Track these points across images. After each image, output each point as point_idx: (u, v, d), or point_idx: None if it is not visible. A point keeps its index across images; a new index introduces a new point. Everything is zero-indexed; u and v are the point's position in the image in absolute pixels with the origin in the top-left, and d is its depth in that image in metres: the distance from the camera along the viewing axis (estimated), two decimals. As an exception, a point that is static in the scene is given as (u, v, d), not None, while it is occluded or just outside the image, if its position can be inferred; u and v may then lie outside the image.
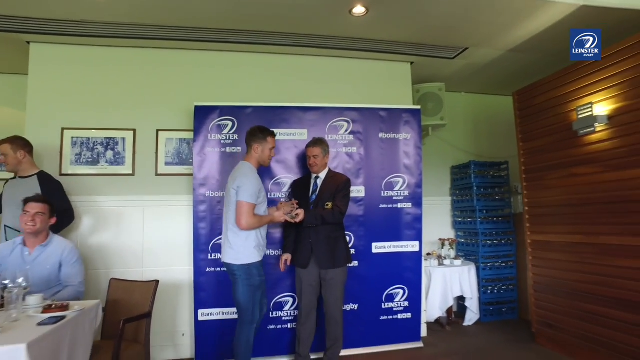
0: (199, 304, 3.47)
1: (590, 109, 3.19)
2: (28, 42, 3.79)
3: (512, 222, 4.92)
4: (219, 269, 3.49)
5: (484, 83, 5.16)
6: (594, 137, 3.21)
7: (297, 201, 3.14)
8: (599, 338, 3.19)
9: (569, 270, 3.48)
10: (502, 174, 5.00)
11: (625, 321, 2.98)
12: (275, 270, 3.43)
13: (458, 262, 4.62)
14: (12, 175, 3.34)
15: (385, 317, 3.78)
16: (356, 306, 3.72)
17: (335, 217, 3.16)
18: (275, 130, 3.51)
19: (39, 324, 1.87)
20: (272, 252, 3.53)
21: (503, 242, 4.87)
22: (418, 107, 4.05)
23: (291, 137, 3.71)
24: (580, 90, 3.35)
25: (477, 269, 4.71)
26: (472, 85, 5.29)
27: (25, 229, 2.60)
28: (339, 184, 3.26)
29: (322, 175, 3.35)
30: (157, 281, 2.83)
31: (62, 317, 1.99)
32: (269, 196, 3.49)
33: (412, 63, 4.46)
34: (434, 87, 4.82)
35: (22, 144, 3.22)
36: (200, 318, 3.46)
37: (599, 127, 3.14)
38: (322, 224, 3.13)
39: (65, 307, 2.14)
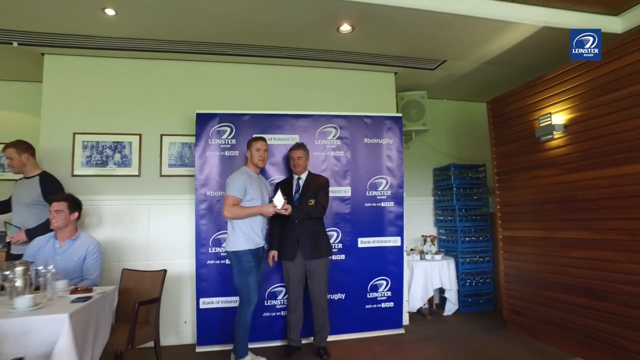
0: (201, 293, 3.82)
1: (549, 119, 3.60)
2: (42, 54, 4.12)
3: (488, 220, 5.31)
4: (218, 262, 3.86)
5: (463, 91, 5.56)
6: (553, 143, 3.62)
7: (286, 198, 3.49)
8: (558, 321, 3.59)
9: (533, 262, 3.88)
10: (480, 175, 5.40)
11: (579, 305, 3.39)
12: (267, 263, 3.79)
13: (438, 257, 5.01)
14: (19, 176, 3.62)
15: (370, 306, 4.15)
16: (343, 296, 4.08)
17: (319, 211, 3.56)
18: (270, 136, 3.96)
19: (72, 302, 2.22)
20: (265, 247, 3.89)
21: (480, 238, 5.27)
22: (399, 114, 4.44)
23: (284, 142, 4.06)
24: (541, 102, 3.76)
25: (457, 263, 5.10)
26: (453, 93, 5.68)
27: (51, 226, 2.95)
28: (319, 184, 3.65)
29: (303, 176, 3.72)
30: (165, 270, 3.19)
31: (89, 297, 2.34)
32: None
33: (396, 73, 4.84)
34: (416, 95, 5.21)
35: (24, 147, 3.50)
36: (201, 306, 3.81)
37: (556, 134, 3.55)
38: (307, 218, 3.51)
39: (89, 290, 2.50)
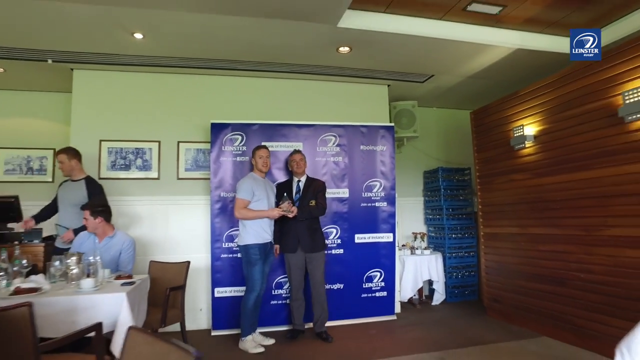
0: (215, 283, 4.32)
1: (522, 130, 4.12)
2: (72, 69, 4.60)
3: (473, 218, 5.83)
4: (231, 255, 4.36)
5: (451, 100, 6.08)
6: (525, 151, 4.14)
7: (291, 201, 3.99)
8: (529, 306, 4.11)
9: (509, 255, 4.41)
10: (466, 178, 5.92)
11: (545, 291, 3.91)
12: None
13: (427, 252, 5.53)
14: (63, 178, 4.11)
15: (365, 295, 4.65)
16: (342, 285, 4.58)
17: (320, 211, 4.07)
18: (275, 144, 4.51)
19: (122, 285, 2.72)
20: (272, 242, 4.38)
21: (466, 235, 5.79)
22: (392, 124, 4.96)
23: (289, 149, 4.53)
24: (515, 115, 4.29)
25: (444, 257, 5.62)
26: (441, 102, 6.20)
27: (89, 230, 3.43)
28: (318, 187, 4.16)
29: (303, 179, 4.21)
30: (189, 262, 3.69)
31: (134, 282, 2.84)
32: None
33: (389, 85, 5.35)
34: (407, 105, 5.73)
35: (74, 153, 3.98)
36: (216, 295, 4.31)
37: (528, 143, 4.07)
38: (310, 217, 4.01)
39: (130, 277, 2.99)
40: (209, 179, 4.55)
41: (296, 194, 4.15)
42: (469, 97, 5.87)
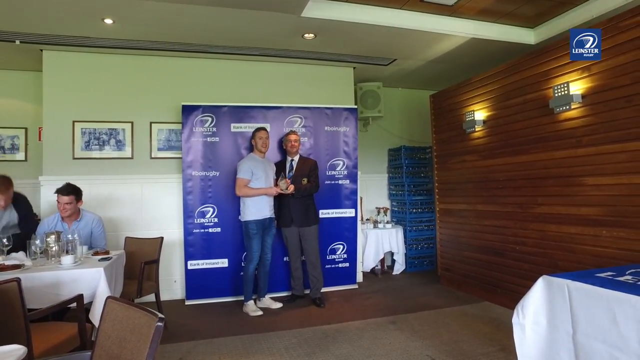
0: (188, 256, 4.62)
1: (472, 115, 4.47)
2: (41, 50, 4.66)
3: (433, 195, 6.23)
4: (203, 230, 4.65)
5: (414, 81, 6.36)
6: (475, 134, 4.51)
7: (289, 179, 4.30)
8: (475, 275, 4.58)
9: (459, 229, 4.84)
10: (427, 156, 6.29)
11: (488, 262, 4.37)
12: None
13: (389, 225, 5.94)
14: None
15: (329, 266, 5.02)
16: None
17: (314, 189, 4.45)
18: (243, 125, 4.78)
19: (99, 260, 3.00)
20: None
21: (426, 210, 6.20)
22: (355, 106, 5.25)
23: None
24: (468, 100, 4.63)
25: (405, 231, 6.04)
26: (405, 83, 6.48)
27: (61, 214, 3.58)
28: (310, 165, 4.50)
29: (296, 158, 4.53)
30: (162, 237, 3.95)
31: (110, 257, 3.11)
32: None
33: (354, 67, 5.59)
34: (373, 86, 6.01)
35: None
36: (189, 267, 4.61)
37: (477, 127, 4.44)
38: (303, 195, 4.36)
39: (107, 253, 3.26)
40: (181, 158, 4.78)
41: (289, 172, 4.45)
42: (431, 79, 6.18)
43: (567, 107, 3.35)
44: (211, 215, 4.66)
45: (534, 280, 1.98)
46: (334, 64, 5.42)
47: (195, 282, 4.62)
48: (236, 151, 4.74)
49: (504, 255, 4.13)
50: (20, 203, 3.72)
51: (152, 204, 4.85)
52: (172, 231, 4.81)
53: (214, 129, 4.73)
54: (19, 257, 2.96)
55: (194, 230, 4.64)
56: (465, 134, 4.67)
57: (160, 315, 1.40)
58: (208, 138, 4.71)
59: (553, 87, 3.47)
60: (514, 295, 3.95)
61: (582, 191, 3.30)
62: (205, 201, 4.64)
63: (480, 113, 4.43)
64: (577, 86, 3.29)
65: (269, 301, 4.40)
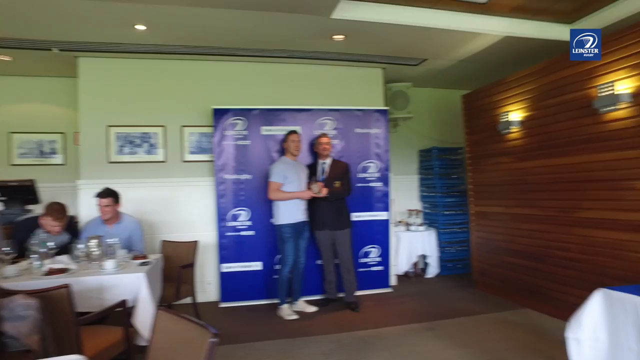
0: (222, 259, 4.66)
1: (507, 116, 4.35)
2: (75, 57, 4.77)
3: (465, 196, 6.10)
4: (236, 233, 4.68)
5: (445, 81, 6.24)
6: (510, 136, 4.39)
7: (322, 183, 4.28)
8: (513, 280, 4.45)
9: (495, 232, 4.72)
10: (458, 157, 6.16)
11: (527, 267, 4.24)
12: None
13: (421, 228, 5.85)
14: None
15: (362, 269, 4.96)
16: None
17: (347, 193, 4.42)
18: (274, 128, 4.77)
19: (139, 265, 3.04)
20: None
21: (459, 212, 6.08)
22: (386, 108, 5.19)
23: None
24: (502, 101, 4.51)
25: (438, 233, 5.94)
26: (436, 83, 6.35)
27: (102, 217, 3.71)
28: (343, 168, 4.48)
29: (328, 161, 4.50)
30: (197, 241, 4.00)
31: (149, 262, 3.15)
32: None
33: (383, 68, 5.52)
34: (402, 86, 5.92)
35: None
36: (223, 270, 4.66)
37: (513, 129, 4.31)
38: (336, 198, 4.34)
39: (145, 257, 3.31)
40: (212, 161, 4.82)
41: (321, 175, 4.43)
42: (462, 79, 6.05)
43: (613, 107, 3.21)
44: (244, 219, 4.69)
45: (580, 287, 1.91)
46: (363, 64, 5.36)
47: (230, 285, 4.66)
48: (267, 154, 4.75)
49: (544, 260, 4.00)
50: (71, 226, 3.88)
51: (184, 207, 4.91)
52: (205, 234, 4.84)
53: (245, 132, 4.75)
54: (64, 260, 3.04)
55: (228, 233, 4.68)
56: (500, 135, 4.54)
57: (213, 330, 1.39)
58: (239, 141, 4.74)
59: (597, 86, 3.33)
60: (557, 302, 3.82)
61: (631, 195, 3.15)
62: (238, 204, 4.67)
63: (516, 113, 4.30)
64: (625, 85, 3.15)
65: (303, 305, 4.39)
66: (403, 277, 5.74)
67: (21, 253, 3.28)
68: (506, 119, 4.36)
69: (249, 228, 4.69)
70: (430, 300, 4.69)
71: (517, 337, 3.48)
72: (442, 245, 5.96)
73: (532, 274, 4.17)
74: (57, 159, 5.35)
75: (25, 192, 4.51)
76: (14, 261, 3.06)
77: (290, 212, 4.19)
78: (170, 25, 4.02)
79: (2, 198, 4.49)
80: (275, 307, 4.36)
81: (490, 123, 4.70)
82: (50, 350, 1.86)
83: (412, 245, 5.68)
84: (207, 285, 4.88)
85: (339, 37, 4.41)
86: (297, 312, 4.26)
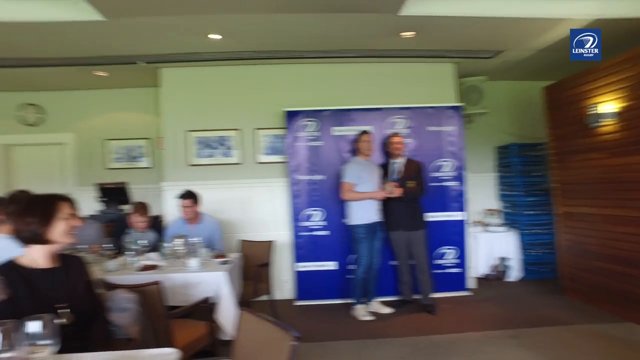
0: (297, 258, 4.78)
1: (596, 108, 3.99)
2: (157, 68, 5.11)
3: (549, 195, 5.68)
4: (310, 233, 4.78)
5: (523, 73, 5.84)
6: (603, 129, 4.00)
7: (396, 182, 4.24)
8: (609, 288, 4.06)
9: (585, 235, 4.35)
10: (540, 153, 5.76)
11: (623, 273, 3.86)
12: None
13: (501, 228, 5.56)
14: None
15: (438, 271, 4.79)
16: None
17: (421, 193, 4.35)
18: (345, 128, 4.77)
19: (220, 264, 3.19)
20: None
21: (542, 212, 5.66)
22: (459, 104, 5.00)
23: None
24: (590, 91, 4.14)
25: (520, 234, 5.58)
26: (513, 75, 5.98)
27: (184, 217, 3.97)
28: (417, 167, 4.41)
29: (400, 160, 4.44)
30: (273, 241, 4.13)
31: (229, 261, 3.31)
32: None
33: (456, 63, 5.30)
34: (476, 81, 5.66)
35: None
36: (298, 269, 4.77)
37: (604, 121, 3.93)
38: (410, 198, 4.27)
39: (224, 255, 3.47)
40: (285, 162, 4.95)
41: (394, 175, 4.39)
42: (542, 70, 5.62)
43: None
44: (318, 219, 4.76)
45: None
46: (433, 60, 5.18)
47: (305, 284, 4.76)
48: (339, 155, 4.79)
49: (643, 266, 3.62)
50: (156, 225, 4.25)
51: (260, 207, 5.08)
52: (279, 233, 4.95)
53: (317, 133, 4.81)
54: (154, 257, 3.30)
55: (302, 233, 4.78)
56: (589, 129, 4.17)
57: (295, 334, 1.42)
58: (311, 142, 4.82)
59: None
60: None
61: None
62: (312, 204, 4.76)
63: (609, 105, 3.92)
64: None
65: (378, 305, 4.36)
66: (482, 280, 5.47)
67: (118, 249, 3.61)
68: (596, 111, 4.00)
69: (323, 228, 4.76)
70: (512, 306, 4.43)
71: (616, 353, 3.14)
72: (525, 247, 5.60)
73: (629, 281, 3.79)
74: (144, 162, 5.82)
75: (119, 194, 4.96)
76: (114, 257, 3.39)
77: (363, 213, 4.17)
78: (242, 32, 4.17)
79: (103, 199, 5.00)
80: (349, 306, 4.37)
81: (577, 116, 4.33)
82: (148, 340, 2.02)
83: (491, 247, 5.43)
84: (283, 283, 4.99)
85: (408, 34, 4.31)
86: (372, 313, 4.23)
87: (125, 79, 5.45)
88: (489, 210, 5.83)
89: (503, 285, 5.35)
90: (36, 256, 1.75)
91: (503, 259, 5.67)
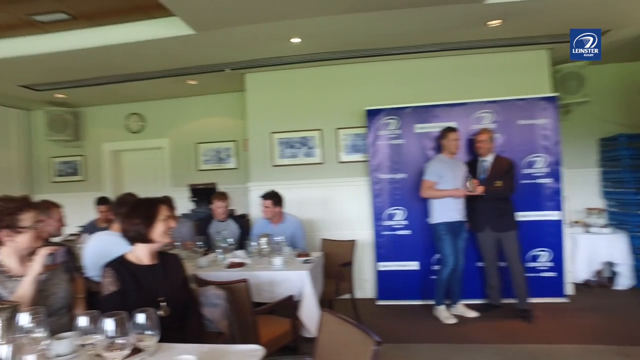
0: (379, 258, 4.74)
1: None
2: (242, 74, 5.35)
3: (665, 192, 5.02)
4: (392, 232, 4.71)
5: (635, 53, 5.21)
6: None
7: (477, 180, 4.06)
8: None
9: None
10: (655, 144, 5.10)
11: None
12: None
13: (606, 230, 4.99)
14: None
15: (530, 275, 4.42)
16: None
17: (508, 192, 4.08)
18: (428, 125, 4.60)
19: (303, 262, 3.26)
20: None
21: (659, 212, 5.00)
22: (554, 94, 4.59)
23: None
24: None
25: (630, 237, 4.96)
26: (622, 56, 5.34)
27: (264, 216, 4.12)
28: (507, 166, 4.15)
29: (489, 158, 4.21)
30: (355, 240, 4.13)
31: (312, 260, 3.36)
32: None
33: (550, 49, 4.87)
34: (574, 67, 5.11)
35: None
36: (379, 268, 4.73)
37: None
38: (496, 197, 4.05)
39: (307, 254, 3.53)
40: (366, 161, 4.92)
41: (481, 174, 4.21)
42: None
43: None
44: (400, 218, 4.68)
45: None
46: (524, 48, 4.79)
47: (386, 283, 4.71)
48: (422, 153, 4.65)
49: None
50: (242, 221, 4.43)
51: (341, 206, 5.11)
52: (361, 232, 4.92)
53: (399, 131, 4.72)
54: (240, 255, 3.46)
55: (384, 232, 4.73)
56: None
57: (377, 338, 1.40)
58: (393, 140, 4.74)
59: None
60: None
61: None
62: (393, 203, 4.69)
63: None
64: None
65: (463, 309, 4.17)
66: (582, 287, 4.96)
67: (207, 246, 3.85)
68: None
69: (405, 227, 4.67)
70: (620, 318, 3.95)
71: None
72: (636, 251, 4.98)
73: None
74: (231, 163, 6.17)
75: (209, 194, 5.26)
76: (205, 254, 3.64)
77: (445, 211, 4.02)
78: (322, 34, 4.23)
79: (194, 199, 5.39)
80: (430, 308, 4.23)
81: None
82: (236, 335, 2.12)
83: (594, 250, 4.89)
84: (364, 283, 4.97)
85: (495, 23, 4.05)
86: (456, 316, 4.06)
87: (213, 85, 5.82)
88: (591, 209, 5.29)
89: (608, 293, 4.80)
90: (140, 254, 1.98)
91: (609, 264, 5.11)
